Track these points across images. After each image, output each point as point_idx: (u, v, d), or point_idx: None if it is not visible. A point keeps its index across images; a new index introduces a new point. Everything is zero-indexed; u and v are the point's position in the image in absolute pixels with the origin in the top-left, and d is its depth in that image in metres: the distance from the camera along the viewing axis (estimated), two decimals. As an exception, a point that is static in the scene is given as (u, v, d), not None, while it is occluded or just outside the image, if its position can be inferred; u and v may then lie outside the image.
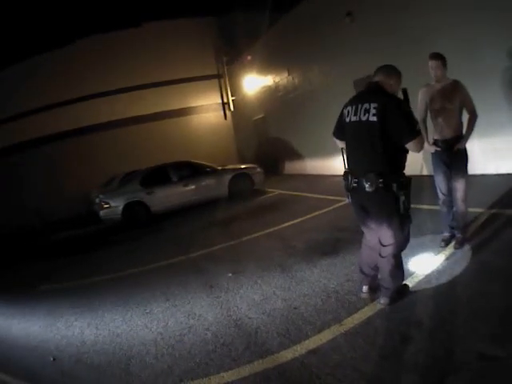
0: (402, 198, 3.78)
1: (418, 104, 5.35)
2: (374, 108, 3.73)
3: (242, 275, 6.02)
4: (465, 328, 3.42)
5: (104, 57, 20.31)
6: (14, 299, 7.40)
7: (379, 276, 4.29)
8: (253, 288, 5.44)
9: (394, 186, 3.74)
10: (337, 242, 6.48)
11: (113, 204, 12.48)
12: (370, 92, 3.98)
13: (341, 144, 4.33)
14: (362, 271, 4.49)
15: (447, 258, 4.95)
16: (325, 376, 3.20)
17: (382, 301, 4.13)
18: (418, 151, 3.78)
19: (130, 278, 7.30)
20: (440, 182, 5.33)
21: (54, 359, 4.60)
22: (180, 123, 22.23)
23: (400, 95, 3.99)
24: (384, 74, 4.01)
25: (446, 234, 5.41)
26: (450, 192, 5.24)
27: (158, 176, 13.15)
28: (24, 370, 4.49)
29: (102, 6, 18.04)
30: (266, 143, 19.96)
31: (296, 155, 17.33)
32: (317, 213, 9.03)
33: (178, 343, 4.32)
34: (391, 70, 4.06)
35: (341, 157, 4.33)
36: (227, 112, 23.39)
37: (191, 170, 13.64)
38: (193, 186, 13.22)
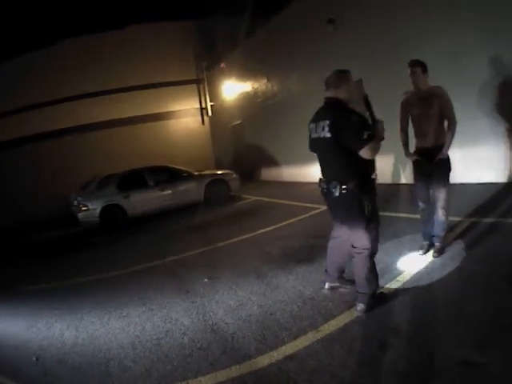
0: (366, 202, 4.01)
1: (399, 112, 5.41)
2: (327, 125, 4.04)
3: (218, 281, 6.03)
4: (444, 335, 3.45)
5: (85, 59, 20.10)
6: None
7: (356, 282, 4.38)
8: (228, 293, 5.46)
9: (357, 190, 3.98)
10: (312, 248, 6.51)
11: (91, 206, 12.42)
12: (324, 108, 4.28)
13: None
14: (326, 271, 4.76)
15: (426, 266, 4.99)
16: (303, 382, 3.24)
17: (359, 307, 4.19)
18: (371, 157, 3.96)
19: (107, 282, 7.27)
20: (419, 191, 5.38)
21: (37, 359, 4.59)
22: (158, 127, 22.18)
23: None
24: (333, 88, 4.22)
25: (425, 243, 5.43)
26: (430, 201, 5.26)
27: (135, 180, 13.11)
28: (8, 369, 4.46)
29: (86, 7, 17.97)
30: (243, 149, 19.99)
31: (273, 162, 17.40)
32: (292, 220, 9.10)
33: (156, 347, 4.33)
34: (337, 81, 4.22)
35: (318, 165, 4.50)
36: (205, 117, 23.38)
37: (168, 175, 13.64)
38: (169, 191, 13.21)
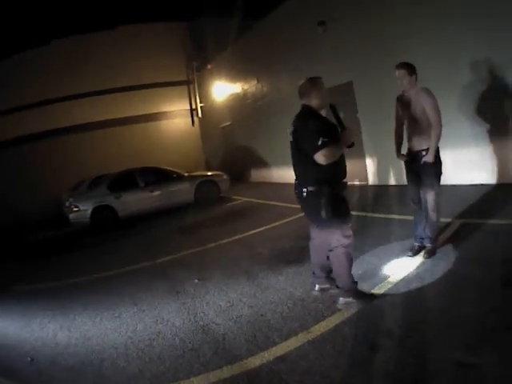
0: (330, 203, 4.07)
1: (394, 114, 5.49)
2: (291, 132, 4.32)
3: (209, 281, 6.06)
4: (437, 336, 3.46)
5: (77, 59, 19.99)
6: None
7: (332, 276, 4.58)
8: (219, 294, 5.49)
9: (320, 193, 4.09)
10: (302, 250, 6.43)
11: (82, 207, 12.48)
12: (296, 115, 4.42)
13: None
14: (313, 272, 4.85)
15: (417, 268, 4.99)
16: (294, 382, 3.25)
17: (339, 301, 4.37)
18: (324, 162, 4.01)
19: (98, 282, 7.30)
20: (409, 192, 5.43)
21: (31, 359, 4.60)
22: (148, 128, 22.15)
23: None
24: (305, 97, 4.35)
25: (416, 244, 5.43)
26: (420, 201, 5.28)
27: (126, 181, 13.19)
28: (4, 369, 4.48)
29: (78, 7, 17.93)
30: (233, 151, 20.01)
31: (263, 163, 17.43)
32: (282, 221, 9.14)
33: (148, 347, 4.35)
34: (308, 89, 4.33)
35: None
36: (195, 118, 23.37)
37: (158, 176, 13.71)
38: (159, 192, 13.26)
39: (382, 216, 7.77)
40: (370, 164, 11.49)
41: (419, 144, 5.14)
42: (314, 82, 4.33)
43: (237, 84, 18.81)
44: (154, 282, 6.58)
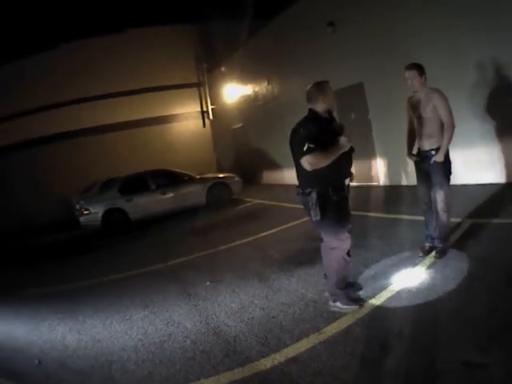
0: (315, 204, 4.15)
1: (406, 115, 5.48)
2: (290, 135, 4.44)
3: (220, 284, 6.05)
4: (446, 336, 3.44)
5: (88, 63, 20.09)
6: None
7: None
8: (231, 296, 5.47)
9: (316, 196, 4.14)
10: (313, 251, 6.38)
11: (92, 210, 12.51)
12: (302, 119, 4.44)
13: None
14: (325, 274, 4.75)
15: (428, 268, 4.98)
16: (305, 384, 3.24)
17: (329, 303, 4.49)
18: (309, 168, 4.07)
19: (109, 285, 7.32)
20: (420, 192, 5.41)
21: (39, 362, 4.60)
22: (159, 131, 22.14)
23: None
24: (312, 101, 4.38)
25: (427, 244, 5.40)
26: (431, 201, 5.25)
27: (137, 184, 13.22)
28: (11, 372, 4.48)
29: (87, 11, 18.03)
30: (245, 152, 20.01)
31: (274, 165, 17.35)
32: (294, 223, 9.08)
33: (158, 350, 4.34)
34: (314, 94, 4.34)
35: None
36: (206, 120, 23.35)
37: (169, 178, 13.74)
38: (171, 194, 13.28)
39: (392, 217, 7.72)
40: (381, 165, 11.43)
41: (429, 144, 5.12)
42: (320, 87, 4.34)
43: (247, 85, 18.81)
44: (166, 285, 6.57)
